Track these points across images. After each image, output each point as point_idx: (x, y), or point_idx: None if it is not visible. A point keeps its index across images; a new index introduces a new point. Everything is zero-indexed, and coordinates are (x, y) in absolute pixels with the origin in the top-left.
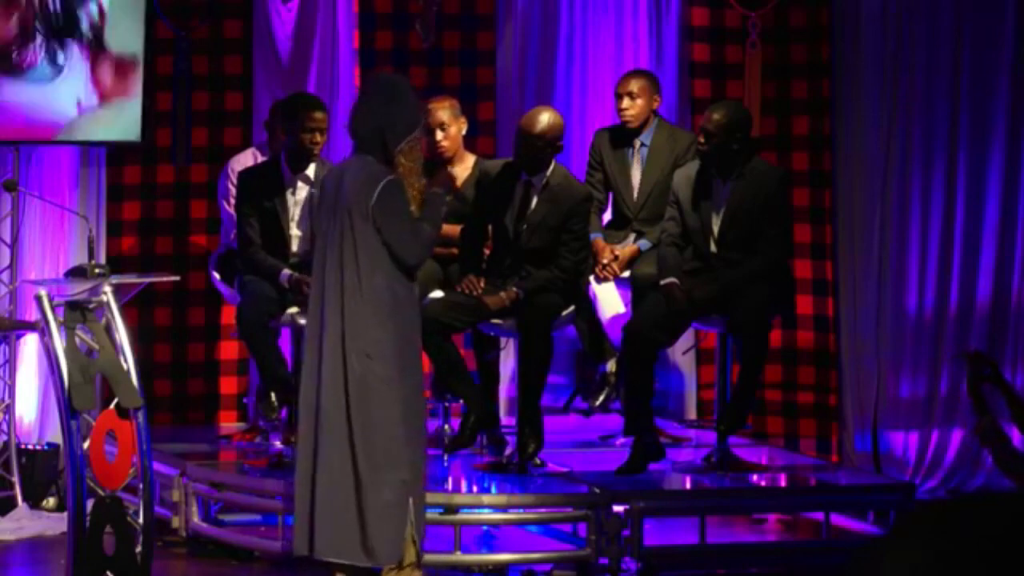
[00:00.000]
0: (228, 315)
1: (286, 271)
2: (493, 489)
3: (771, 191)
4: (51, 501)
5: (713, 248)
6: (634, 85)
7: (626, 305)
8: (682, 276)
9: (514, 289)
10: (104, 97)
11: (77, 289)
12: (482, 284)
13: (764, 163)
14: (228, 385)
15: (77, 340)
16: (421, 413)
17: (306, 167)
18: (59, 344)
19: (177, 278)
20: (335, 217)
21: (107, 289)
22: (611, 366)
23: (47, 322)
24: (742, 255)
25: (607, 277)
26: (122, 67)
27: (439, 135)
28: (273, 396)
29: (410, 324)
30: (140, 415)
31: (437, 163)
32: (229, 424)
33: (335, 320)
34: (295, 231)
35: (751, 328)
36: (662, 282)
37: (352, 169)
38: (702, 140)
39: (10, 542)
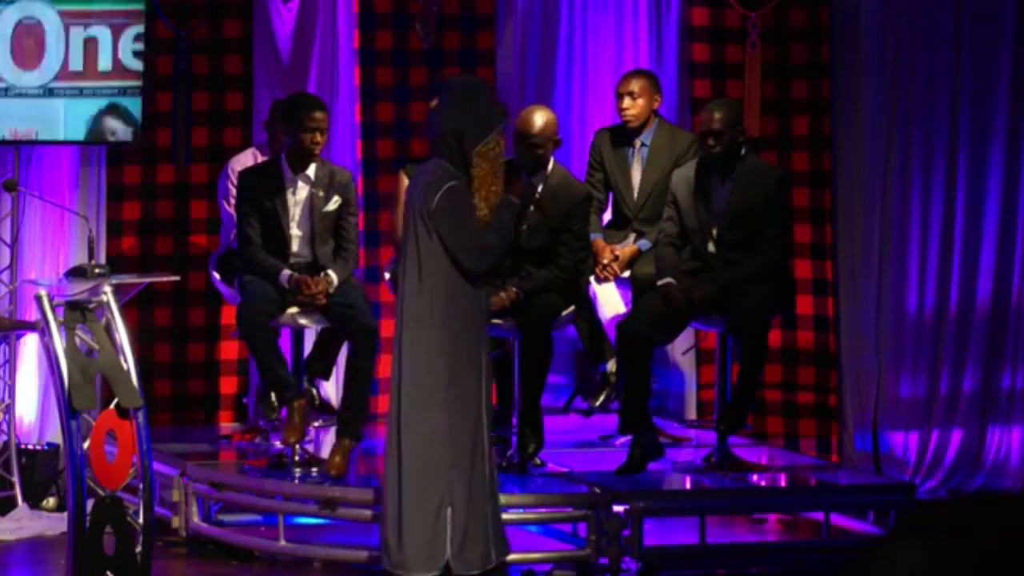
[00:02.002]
0: (228, 315)
1: (286, 271)
2: None
3: (770, 191)
4: (51, 501)
5: (712, 248)
6: (635, 85)
7: (626, 305)
8: (680, 276)
9: (514, 289)
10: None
11: (77, 289)
12: None
13: (764, 163)
14: (228, 385)
15: (77, 340)
16: (475, 422)
17: (307, 167)
18: (59, 344)
19: (177, 278)
20: (409, 219)
21: (107, 289)
22: (611, 366)
23: (47, 322)
24: (741, 255)
25: (607, 277)
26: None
27: None
28: (273, 396)
29: (468, 332)
30: (140, 415)
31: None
32: (229, 424)
33: (398, 323)
34: (295, 231)
35: (750, 328)
36: (659, 283)
37: (425, 172)
38: (711, 143)
39: (10, 542)
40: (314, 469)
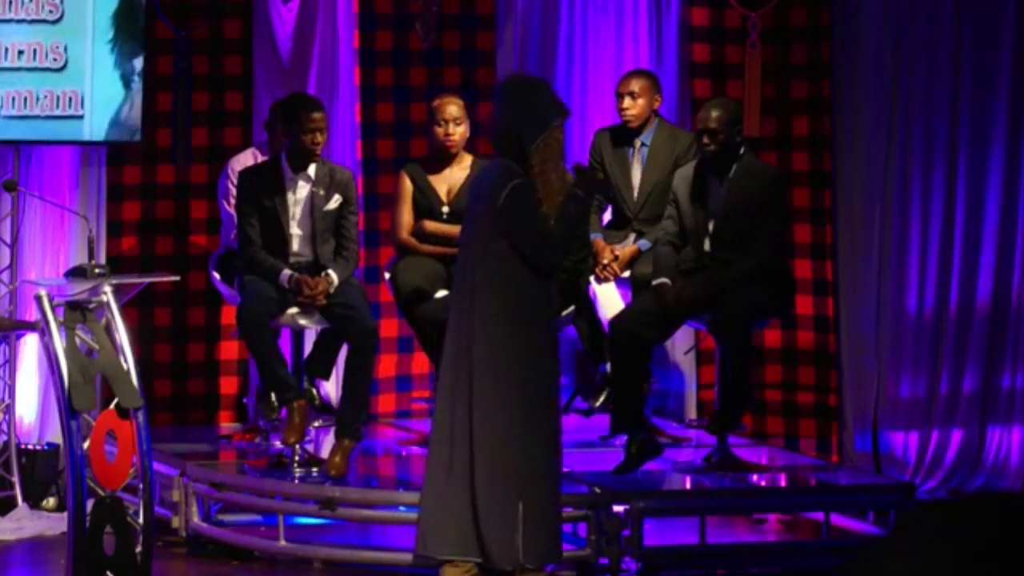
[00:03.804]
0: (228, 315)
1: (286, 271)
2: None
3: (766, 191)
4: (51, 501)
5: (707, 247)
6: (635, 85)
7: (626, 305)
8: (675, 276)
9: None
10: None
11: (77, 289)
12: None
13: (761, 163)
14: (228, 385)
15: (77, 340)
16: (547, 417)
17: (307, 166)
18: (59, 344)
19: (177, 278)
20: (470, 220)
21: (107, 289)
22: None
23: (47, 322)
24: (735, 255)
25: (607, 277)
26: None
27: (451, 128)
28: (273, 396)
29: (537, 327)
30: (140, 415)
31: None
32: (229, 424)
33: (465, 323)
34: (295, 231)
35: (730, 329)
36: (654, 282)
37: (489, 172)
38: (706, 140)
39: (10, 542)
40: (314, 469)
